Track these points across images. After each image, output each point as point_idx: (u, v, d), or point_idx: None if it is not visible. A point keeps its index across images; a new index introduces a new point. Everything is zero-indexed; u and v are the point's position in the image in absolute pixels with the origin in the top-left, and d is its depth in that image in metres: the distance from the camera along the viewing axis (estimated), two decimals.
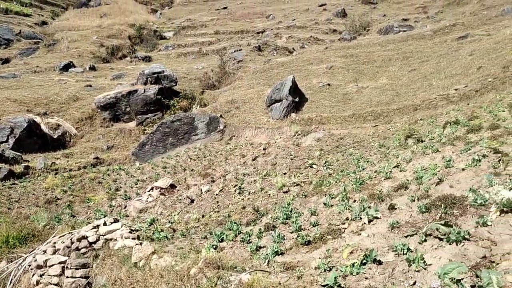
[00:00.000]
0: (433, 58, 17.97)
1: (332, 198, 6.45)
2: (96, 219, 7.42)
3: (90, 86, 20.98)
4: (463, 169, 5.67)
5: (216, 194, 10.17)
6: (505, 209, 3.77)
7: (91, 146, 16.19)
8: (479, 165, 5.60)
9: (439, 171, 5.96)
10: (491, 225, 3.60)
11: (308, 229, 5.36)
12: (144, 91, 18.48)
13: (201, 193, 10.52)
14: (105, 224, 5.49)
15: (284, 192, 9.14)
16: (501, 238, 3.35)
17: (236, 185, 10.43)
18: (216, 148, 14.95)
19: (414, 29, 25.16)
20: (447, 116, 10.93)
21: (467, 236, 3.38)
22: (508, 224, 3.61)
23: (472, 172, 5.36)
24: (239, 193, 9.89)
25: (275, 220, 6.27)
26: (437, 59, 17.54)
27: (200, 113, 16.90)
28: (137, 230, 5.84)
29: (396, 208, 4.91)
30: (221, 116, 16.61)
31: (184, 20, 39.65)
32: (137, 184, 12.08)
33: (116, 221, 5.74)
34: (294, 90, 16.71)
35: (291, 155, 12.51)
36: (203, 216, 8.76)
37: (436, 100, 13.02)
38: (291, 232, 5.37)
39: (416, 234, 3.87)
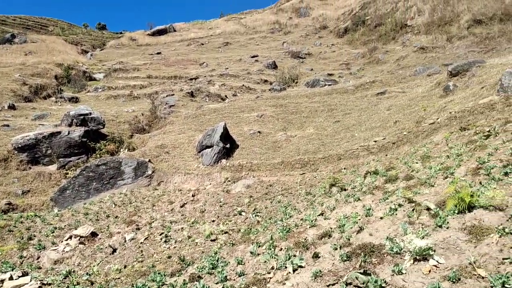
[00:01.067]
0: (355, 111, 19.24)
1: (259, 246, 6.44)
2: (1, 272, 6.71)
3: (8, 126, 19.61)
4: (381, 218, 5.98)
5: (141, 243, 9.72)
6: (417, 257, 4.00)
7: (4, 190, 14.89)
8: (396, 214, 5.94)
9: (360, 219, 6.22)
10: (405, 273, 3.79)
11: (234, 279, 5.27)
12: (69, 133, 17.62)
13: (125, 241, 9.99)
14: (11, 278, 4.99)
15: (211, 241, 8.98)
16: (415, 286, 3.53)
17: (162, 233, 10.07)
18: (143, 194, 14.45)
19: (338, 84, 26.90)
20: (367, 166, 11.60)
21: (383, 285, 3.52)
22: (421, 272, 3.82)
23: (389, 221, 5.66)
24: (165, 241, 9.54)
25: (201, 270, 6.09)
26: (358, 112, 18.80)
27: (128, 157, 16.38)
28: (49, 284, 5.37)
29: (320, 257, 5.01)
30: (149, 161, 16.22)
31: (116, 62, 39.10)
32: (54, 232, 11.20)
33: (25, 274, 5.25)
34: (226, 136, 16.89)
35: (220, 202, 12.43)
36: (125, 267, 8.27)
37: (358, 150, 13.81)
38: (216, 283, 5.24)
39: (337, 283, 3.96)
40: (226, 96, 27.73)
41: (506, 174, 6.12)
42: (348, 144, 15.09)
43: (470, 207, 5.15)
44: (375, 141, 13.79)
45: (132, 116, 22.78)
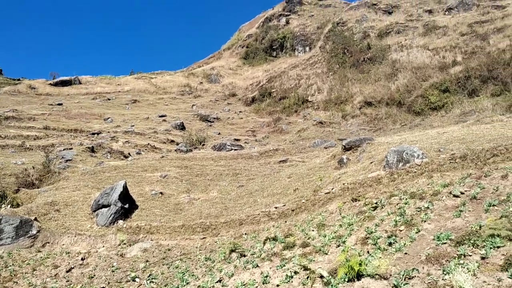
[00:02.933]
0: (259, 177, 19.79)
1: None
2: None
3: None
4: (277, 286, 6.02)
5: None
6: None
7: None
8: (291, 281, 6.03)
9: (257, 287, 6.20)
10: None
11: None
12: None
13: None
14: None
15: None
16: None
17: None
18: (23, 256, 12.89)
19: (244, 149, 27.69)
20: (267, 232, 11.79)
21: None
22: None
23: None
24: None
25: None
26: (261, 178, 19.36)
27: (10, 214, 14.70)
28: None
29: None
30: (35, 219, 14.70)
31: (9, 110, 36.13)
32: None
33: None
34: (125, 196, 16.11)
35: (113, 266, 11.55)
36: None
37: (259, 216, 14.03)
38: None
39: None
40: (129, 153, 26.84)
41: (390, 244, 6.63)
42: (250, 209, 15.27)
43: (359, 276, 5.43)
44: (276, 208, 14.16)
45: (21, 169, 20.80)
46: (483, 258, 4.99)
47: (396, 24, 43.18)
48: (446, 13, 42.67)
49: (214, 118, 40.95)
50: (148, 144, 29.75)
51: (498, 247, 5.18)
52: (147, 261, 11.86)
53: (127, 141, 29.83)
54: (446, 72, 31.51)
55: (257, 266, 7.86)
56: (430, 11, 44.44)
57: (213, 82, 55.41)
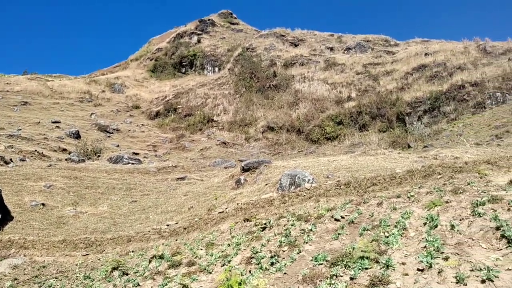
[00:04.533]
0: (154, 193, 19.17)
1: None
2: None
3: None
4: None
5: None
6: None
7: None
8: None
9: None
10: None
11: None
12: None
13: None
14: None
15: None
16: None
17: None
18: None
19: (142, 164, 26.71)
20: (156, 250, 11.35)
21: None
22: None
23: None
24: None
25: None
26: (157, 195, 18.78)
27: None
28: None
29: None
30: None
31: None
32: None
33: None
34: None
35: None
36: None
37: (150, 233, 13.52)
38: None
39: None
40: (11, 159, 24.26)
41: (272, 264, 6.76)
42: (141, 226, 14.66)
43: None
44: (168, 225, 13.78)
45: None
46: (352, 279, 5.32)
47: (301, 57, 45.78)
48: (345, 52, 46.42)
49: (114, 129, 39.07)
50: (36, 150, 27.24)
51: (366, 268, 5.56)
52: (15, 279, 10.66)
53: (10, 146, 26.99)
54: (342, 106, 34.02)
55: (138, 285, 7.50)
56: (331, 49, 47.97)
57: (116, 92, 53.07)
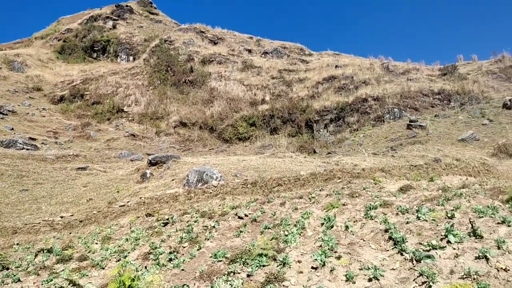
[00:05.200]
0: (49, 182, 17.70)
1: None
2: None
3: None
4: None
5: None
6: None
7: None
8: None
9: None
10: None
11: None
12: None
13: None
14: None
15: None
16: None
17: None
18: None
19: (39, 150, 24.57)
20: (45, 243, 10.45)
21: None
22: None
23: None
24: None
25: None
26: (52, 184, 17.36)
27: None
28: None
29: None
30: None
31: None
32: None
33: None
34: None
35: None
36: None
37: (40, 225, 12.41)
38: None
39: None
40: None
41: (170, 260, 6.55)
42: (31, 216, 13.42)
43: None
44: (62, 217, 12.78)
45: None
46: (248, 276, 5.33)
47: (219, 55, 45.72)
48: (263, 56, 47.37)
49: (9, 110, 35.44)
50: None
51: (264, 265, 5.61)
52: None
53: None
54: (256, 108, 34.59)
55: (19, 280, 6.79)
56: (249, 51, 48.62)
57: (15, 70, 48.29)
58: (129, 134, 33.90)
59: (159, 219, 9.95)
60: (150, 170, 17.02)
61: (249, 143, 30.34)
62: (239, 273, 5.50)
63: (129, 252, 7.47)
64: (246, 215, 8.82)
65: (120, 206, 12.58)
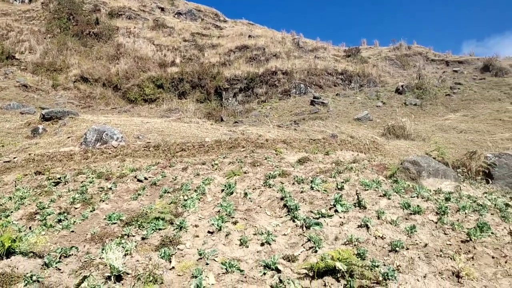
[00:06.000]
0: None
1: None
2: None
3: None
4: None
5: None
6: None
7: None
8: None
9: None
10: None
11: None
12: None
13: None
14: None
15: None
16: None
17: None
18: None
19: None
20: None
21: None
22: None
23: None
24: None
25: None
26: None
27: None
28: None
29: None
30: None
31: None
32: None
33: None
34: None
35: None
36: None
37: None
38: None
39: None
40: None
41: (59, 221, 6.18)
42: None
43: (10, 253, 4.76)
44: None
45: None
46: (143, 239, 5.24)
47: (129, 10, 42.96)
48: (176, 16, 45.55)
49: None
50: None
51: (160, 229, 5.56)
52: None
53: None
54: (164, 70, 33.41)
55: None
56: (162, 9, 46.40)
57: None
58: (21, 85, 30.67)
59: (50, 178, 9.27)
60: (43, 125, 15.68)
61: (155, 106, 29.38)
62: (133, 236, 5.38)
63: (12, 212, 6.87)
64: (146, 178, 8.61)
65: (4, 162, 11.44)
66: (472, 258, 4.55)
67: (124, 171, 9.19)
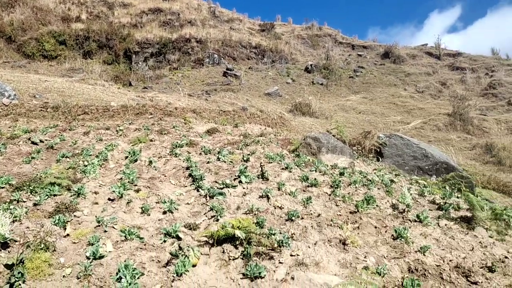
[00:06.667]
0: None
1: None
2: None
3: None
4: None
5: None
6: None
7: None
8: None
9: None
10: None
11: None
12: None
13: None
14: None
15: None
16: None
17: None
18: None
19: None
20: None
21: None
22: None
23: None
24: None
25: None
26: None
27: None
28: None
29: None
30: None
31: None
32: None
33: None
34: None
35: None
36: None
37: None
38: None
39: None
40: None
41: None
42: None
43: None
44: None
45: None
46: (35, 205, 4.91)
47: None
48: None
49: None
50: None
51: (55, 195, 5.24)
52: None
53: None
54: (68, 25, 30.73)
55: None
56: None
57: None
58: None
59: None
60: None
61: (56, 64, 27.04)
62: (24, 201, 5.02)
63: None
64: (41, 141, 7.99)
65: None
66: (358, 227, 5.02)
67: (16, 132, 8.42)
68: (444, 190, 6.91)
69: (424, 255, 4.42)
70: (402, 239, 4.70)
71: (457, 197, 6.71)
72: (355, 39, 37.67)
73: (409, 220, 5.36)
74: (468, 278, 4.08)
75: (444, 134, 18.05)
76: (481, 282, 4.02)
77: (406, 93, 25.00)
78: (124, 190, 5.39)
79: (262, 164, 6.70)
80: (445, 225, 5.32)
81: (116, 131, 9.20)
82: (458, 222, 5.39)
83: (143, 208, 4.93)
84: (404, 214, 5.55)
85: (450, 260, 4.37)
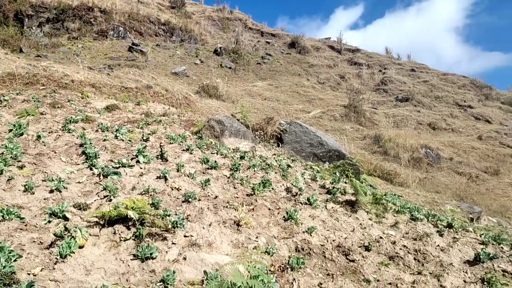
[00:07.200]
0: None
1: None
2: None
3: None
4: None
5: None
6: None
7: None
8: None
9: None
10: None
11: None
12: None
13: None
14: None
15: None
16: None
17: None
18: None
19: None
20: None
21: None
22: None
23: None
24: None
25: None
26: None
27: None
28: None
29: None
30: None
31: None
32: None
33: None
34: None
35: None
36: None
37: None
38: None
39: None
40: None
41: None
42: None
43: None
44: None
45: None
46: None
47: None
48: None
49: None
50: None
51: None
52: None
53: None
54: None
55: None
56: None
57: None
58: None
59: None
60: None
61: None
62: None
63: None
64: None
65: None
66: (253, 209, 5.21)
67: None
68: (334, 176, 7.45)
69: (311, 235, 4.74)
70: (292, 221, 4.99)
71: (345, 183, 7.27)
72: (265, 26, 38.31)
73: (300, 202, 5.69)
74: (347, 256, 4.48)
75: (340, 124, 19.36)
76: (358, 259, 4.44)
77: (308, 83, 26.22)
78: (5, 166, 4.92)
79: (161, 145, 6.58)
80: (332, 208, 5.76)
81: (0, 101, 8.31)
82: (343, 206, 5.86)
83: (27, 186, 4.56)
84: (296, 197, 5.88)
85: (333, 240, 4.76)
